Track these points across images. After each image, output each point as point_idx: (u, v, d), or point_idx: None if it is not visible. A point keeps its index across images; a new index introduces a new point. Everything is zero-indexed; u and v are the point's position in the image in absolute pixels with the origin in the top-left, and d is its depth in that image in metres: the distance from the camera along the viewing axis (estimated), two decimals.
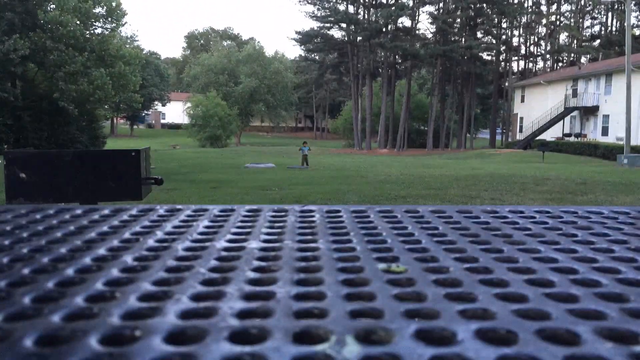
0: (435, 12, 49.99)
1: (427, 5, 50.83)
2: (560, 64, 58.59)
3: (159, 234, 0.65)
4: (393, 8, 47.21)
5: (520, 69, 59.69)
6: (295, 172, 16.88)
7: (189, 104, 50.78)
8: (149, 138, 59.44)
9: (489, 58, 53.21)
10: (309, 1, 51.51)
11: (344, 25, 50.74)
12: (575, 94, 40.25)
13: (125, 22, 37.42)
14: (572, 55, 55.86)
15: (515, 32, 56.28)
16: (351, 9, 50.96)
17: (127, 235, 0.65)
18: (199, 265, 0.51)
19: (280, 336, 0.27)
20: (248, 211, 0.79)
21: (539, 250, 0.45)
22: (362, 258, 0.42)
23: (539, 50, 60.22)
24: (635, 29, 49.39)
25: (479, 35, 52.15)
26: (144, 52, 50.64)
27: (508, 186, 12.10)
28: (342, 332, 0.27)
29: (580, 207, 0.70)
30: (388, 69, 49.22)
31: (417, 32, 51.42)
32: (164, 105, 70.20)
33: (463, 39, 49.31)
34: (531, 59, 60.38)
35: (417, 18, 50.75)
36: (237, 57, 62.12)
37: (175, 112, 76.94)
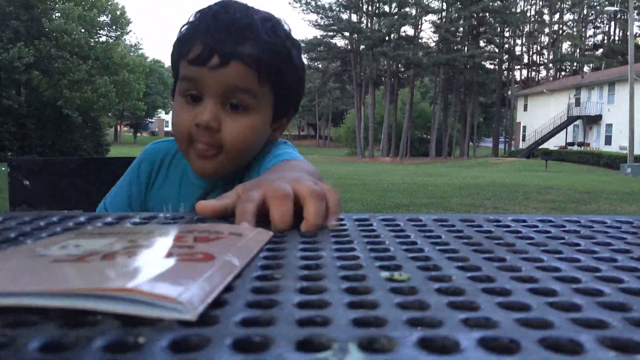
0: (438, 21, 50.16)
1: (430, 15, 51.01)
2: (563, 73, 58.67)
3: None
4: (396, 17, 47.42)
5: (523, 77, 59.79)
6: None
7: None
8: None
9: (491, 67, 53.33)
10: (312, 10, 51.82)
11: (347, 33, 50.96)
12: (578, 102, 40.26)
13: (130, 30, 37.71)
14: (575, 64, 55.94)
15: (518, 41, 56.45)
16: (354, 17, 51.21)
17: None
18: None
19: (284, 344, 0.27)
20: None
21: (541, 259, 0.46)
22: (365, 266, 0.42)
23: (541, 59, 60.35)
24: (638, 38, 49.43)
25: (482, 44, 52.28)
26: (148, 60, 50.93)
27: (511, 195, 12.08)
28: (345, 339, 0.27)
29: (583, 216, 0.70)
30: (391, 78, 49.34)
31: (419, 40, 51.58)
32: (167, 112, 70.53)
33: (466, 48, 49.43)
34: (534, 67, 60.50)
35: (420, 27, 50.90)
36: None
37: None
